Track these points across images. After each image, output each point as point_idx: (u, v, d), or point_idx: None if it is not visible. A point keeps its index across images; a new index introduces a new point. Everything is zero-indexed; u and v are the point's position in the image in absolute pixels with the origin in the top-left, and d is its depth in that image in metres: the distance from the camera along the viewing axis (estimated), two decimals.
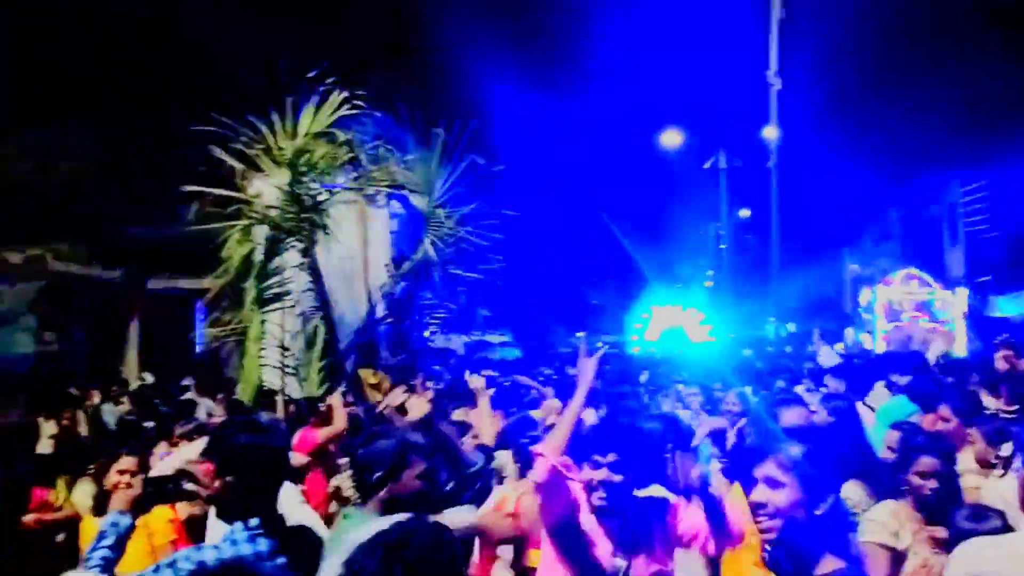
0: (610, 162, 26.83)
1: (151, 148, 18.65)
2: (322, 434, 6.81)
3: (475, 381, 6.00)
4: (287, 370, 10.65)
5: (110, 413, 11.01)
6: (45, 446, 7.91)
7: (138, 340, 16.20)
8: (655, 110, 25.78)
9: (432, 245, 11.65)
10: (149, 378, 14.40)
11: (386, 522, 2.40)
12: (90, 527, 5.00)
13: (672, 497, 3.78)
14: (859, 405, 6.50)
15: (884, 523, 3.89)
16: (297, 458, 6.01)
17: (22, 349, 15.25)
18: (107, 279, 16.22)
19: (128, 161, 18.85)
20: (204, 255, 11.06)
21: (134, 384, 14.15)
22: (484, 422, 5.69)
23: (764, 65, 19.74)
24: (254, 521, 2.26)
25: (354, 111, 10.97)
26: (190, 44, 16.54)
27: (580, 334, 24.69)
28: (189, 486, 2.90)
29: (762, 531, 2.75)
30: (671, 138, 28.63)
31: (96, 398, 11.88)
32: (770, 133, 20.48)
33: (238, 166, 10.87)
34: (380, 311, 11.64)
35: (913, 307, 16.97)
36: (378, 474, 3.24)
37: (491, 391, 6.21)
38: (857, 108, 23.92)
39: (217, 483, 2.83)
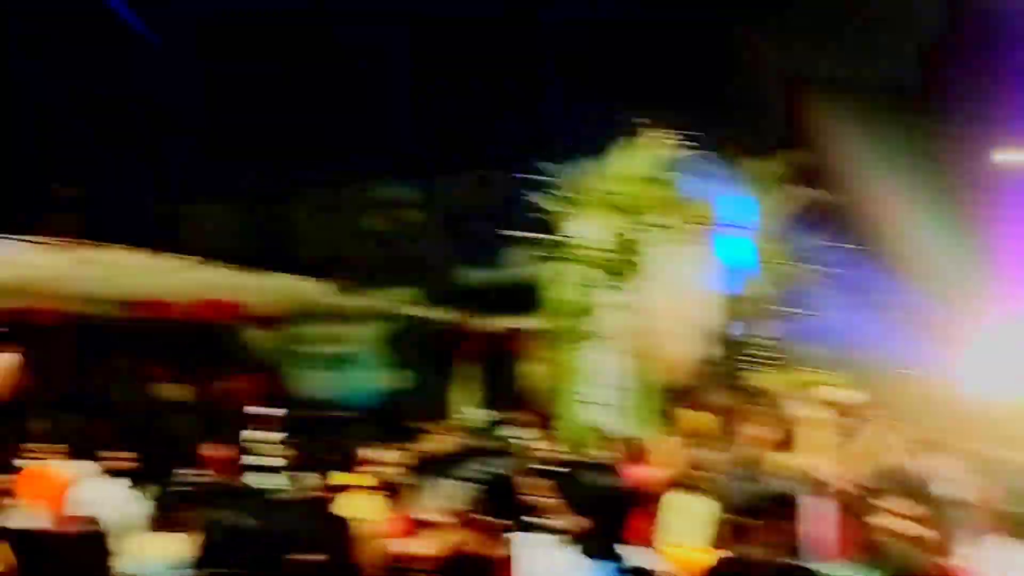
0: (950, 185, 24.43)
1: (478, 198, 19.98)
2: (653, 474, 6.65)
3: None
4: (610, 408, 10.69)
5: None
6: None
7: (475, 377, 17.15)
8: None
9: (762, 282, 11.26)
10: (480, 414, 15.11)
11: None
12: None
13: None
14: None
15: None
16: None
17: (375, 385, 16.77)
18: (444, 320, 17.40)
19: (459, 210, 20.35)
20: (528, 296, 11.51)
21: (466, 419, 14.89)
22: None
23: None
24: (615, 561, 2.17)
25: (676, 151, 10.90)
26: (515, 94, 17.51)
27: (908, 370, 22.43)
28: (543, 521, 2.89)
29: None
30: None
31: (433, 432, 12.61)
32: None
33: (559, 209, 11.18)
34: (707, 350, 11.36)
35: None
36: (750, 518, 3.07)
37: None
38: None
39: (570, 520, 2.80)
